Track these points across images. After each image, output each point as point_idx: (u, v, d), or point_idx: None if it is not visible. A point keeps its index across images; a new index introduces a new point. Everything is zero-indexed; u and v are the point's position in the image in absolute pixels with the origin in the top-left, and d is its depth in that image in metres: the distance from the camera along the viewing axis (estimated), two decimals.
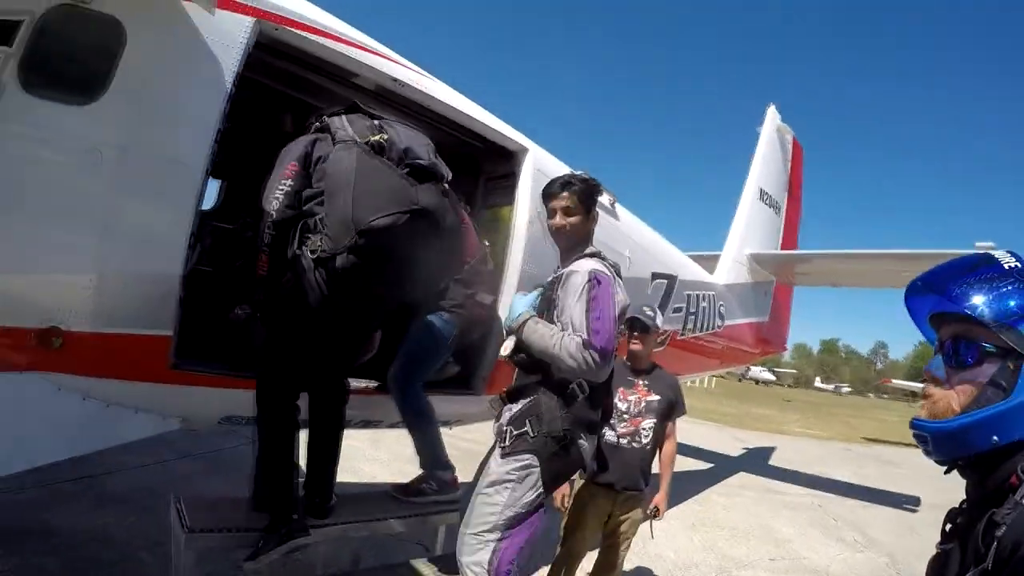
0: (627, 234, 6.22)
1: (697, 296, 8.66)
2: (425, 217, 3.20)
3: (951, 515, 1.34)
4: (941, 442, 1.24)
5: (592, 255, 3.12)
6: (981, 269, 1.27)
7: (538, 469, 2.89)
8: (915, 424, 1.28)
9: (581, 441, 2.97)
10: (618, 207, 6.17)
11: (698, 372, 11.58)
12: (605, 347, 2.84)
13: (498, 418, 3.10)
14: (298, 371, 3.33)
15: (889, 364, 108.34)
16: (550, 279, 3.14)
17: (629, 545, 4.54)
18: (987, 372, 1.21)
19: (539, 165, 4.89)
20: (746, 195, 12.27)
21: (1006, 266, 1.26)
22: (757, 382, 72.37)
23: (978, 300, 1.23)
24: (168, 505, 3.46)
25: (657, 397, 4.46)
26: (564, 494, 4.38)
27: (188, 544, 3.10)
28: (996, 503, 1.09)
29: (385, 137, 3.24)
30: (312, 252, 3.02)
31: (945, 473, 1.31)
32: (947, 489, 1.49)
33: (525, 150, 4.90)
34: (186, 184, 3.09)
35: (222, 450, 7.34)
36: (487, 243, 4.61)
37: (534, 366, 2.99)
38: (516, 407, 3.01)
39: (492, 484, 2.92)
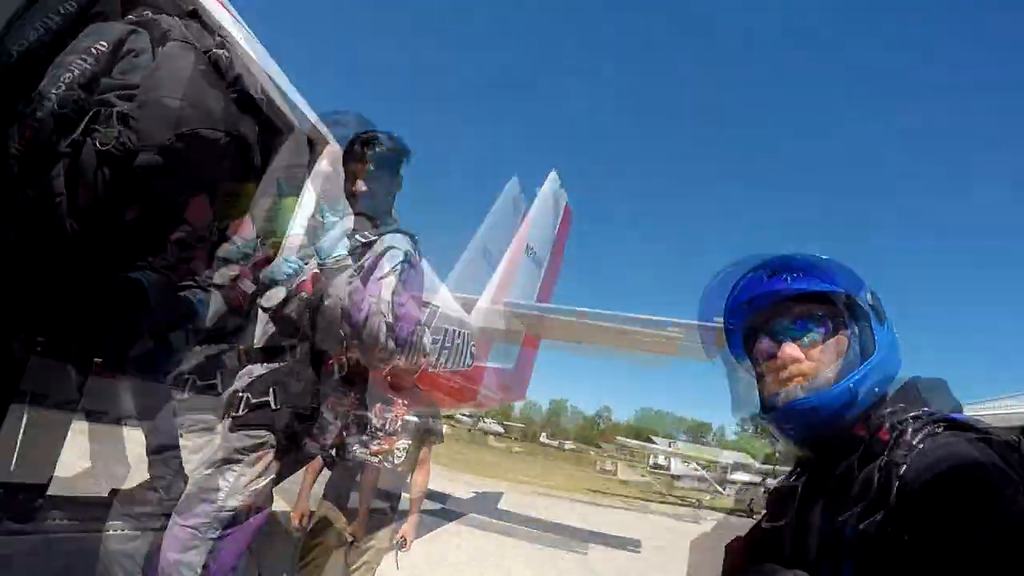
0: None
1: (454, 332, 8.69)
2: (242, 150, 2.80)
3: (781, 493, 1.40)
4: (828, 409, 1.25)
5: (408, 234, 2.90)
6: (799, 260, 1.37)
7: (273, 450, 2.51)
8: (797, 402, 1.28)
9: (327, 425, 2.70)
10: None
11: (443, 408, 11.67)
12: (404, 337, 2.66)
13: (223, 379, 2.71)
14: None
15: (611, 426, 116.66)
16: (349, 243, 2.80)
17: (373, 574, 4.23)
18: (843, 339, 1.30)
19: (336, 160, 4.59)
20: (514, 246, 12.80)
21: (814, 256, 1.37)
22: (487, 432, 74.25)
23: (824, 278, 1.33)
24: None
25: (415, 418, 4.27)
26: (303, 514, 4.06)
27: None
28: (865, 461, 1.15)
29: (227, 55, 2.83)
30: (103, 145, 2.46)
31: (810, 451, 1.35)
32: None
33: (325, 142, 4.59)
34: None
35: None
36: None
37: (296, 327, 2.65)
38: (259, 370, 2.61)
39: (215, 464, 2.47)
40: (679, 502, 31.54)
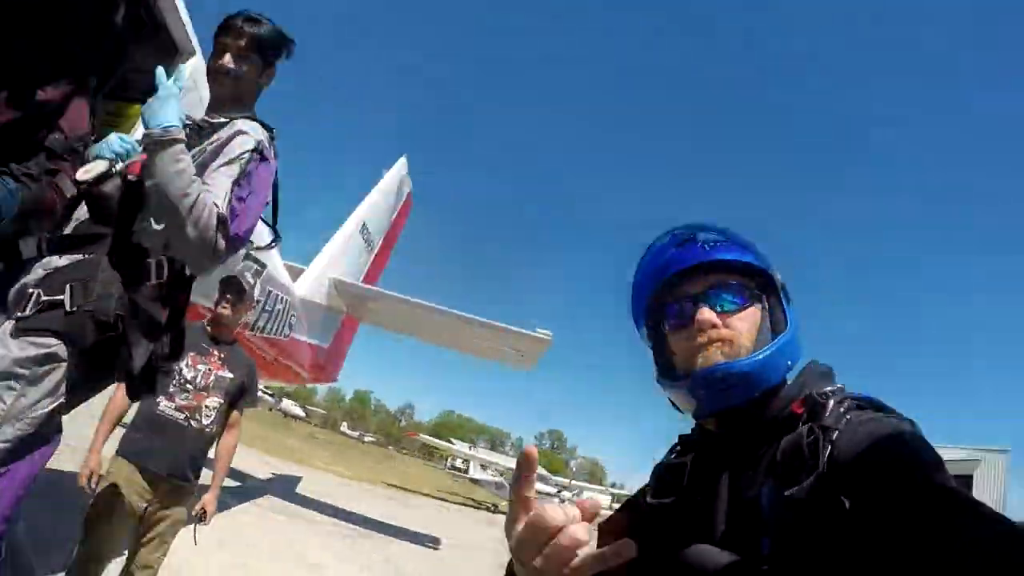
0: None
1: (276, 296, 8.14)
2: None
3: (671, 469, 1.33)
4: (754, 377, 1.20)
5: (266, 125, 2.42)
6: (725, 231, 1.35)
7: (64, 366, 1.95)
8: (722, 368, 1.20)
9: (137, 343, 2.09)
10: None
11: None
12: (239, 236, 2.18)
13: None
14: None
15: (412, 423, 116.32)
16: (188, 123, 2.27)
17: (167, 550, 3.72)
18: (756, 311, 1.27)
19: (199, 75, 3.94)
20: (349, 223, 12.38)
21: (720, 230, 1.36)
22: (286, 415, 71.42)
23: (738, 251, 1.29)
24: None
25: (231, 375, 3.88)
26: (93, 471, 3.44)
27: None
28: (776, 435, 1.13)
29: None
30: None
31: (726, 422, 1.27)
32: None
33: (191, 53, 3.92)
34: None
35: None
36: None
37: (112, 211, 2.14)
38: (59, 261, 2.09)
39: None
40: (475, 506, 31.85)
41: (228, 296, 3.86)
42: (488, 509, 31.35)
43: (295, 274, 10.25)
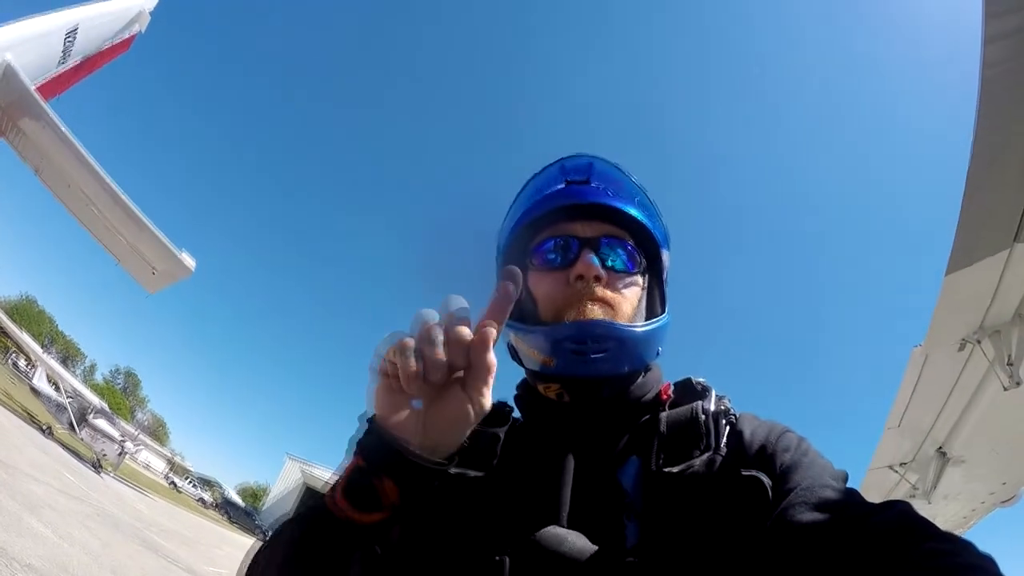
0: None
1: None
2: None
3: (487, 438, 1.13)
4: (630, 348, 1.09)
5: None
6: (639, 191, 1.23)
7: None
8: (604, 324, 1.06)
9: None
10: None
11: None
12: None
13: None
14: None
15: None
16: None
17: None
18: (639, 285, 1.17)
19: None
20: (58, 17, 9.87)
21: (638, 188, 1.24)
22: None
23: (642, 212, 1.18)
24: None
25: None
26: None
27: None
28: (636, 416, 1.10)
29: None
30: None
31: (569, 392, 1.13)
32: None
33: None
34: None
35: None
36: None
37: None
38: None
39: None
40: (30, 419, 26.62)
41: None
42: (43, 431, 26.19)
43: None
